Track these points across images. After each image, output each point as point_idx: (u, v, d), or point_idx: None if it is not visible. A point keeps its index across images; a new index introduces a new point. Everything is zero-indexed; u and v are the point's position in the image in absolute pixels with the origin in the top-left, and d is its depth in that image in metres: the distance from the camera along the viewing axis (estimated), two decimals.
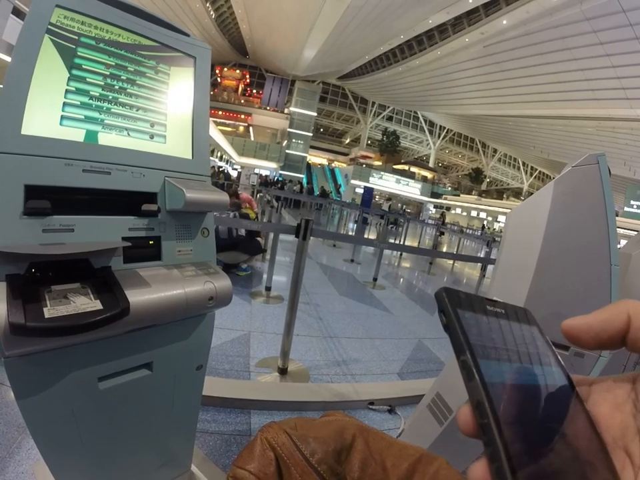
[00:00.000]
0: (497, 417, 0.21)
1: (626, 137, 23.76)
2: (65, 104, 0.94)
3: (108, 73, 1.02)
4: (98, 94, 1.00)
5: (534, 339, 0.29)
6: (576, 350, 1.38)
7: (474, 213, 37.22)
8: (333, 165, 44.64)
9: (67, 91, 0.94)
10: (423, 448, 0.69)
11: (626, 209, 30.49)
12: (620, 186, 31.15)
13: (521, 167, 51.03)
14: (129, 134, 1.05)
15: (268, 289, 4.46)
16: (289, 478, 0.64)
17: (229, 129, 39.70)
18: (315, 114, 39.28)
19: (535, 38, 19.19)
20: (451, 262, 10.60)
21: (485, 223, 33.47)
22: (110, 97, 1.02)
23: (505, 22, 19.25)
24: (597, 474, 0.22)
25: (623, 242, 2.99)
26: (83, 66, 0.97)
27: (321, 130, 47.84)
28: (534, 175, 50.64)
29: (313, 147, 42.08)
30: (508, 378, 0.24)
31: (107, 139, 1.00)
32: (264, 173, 33.51)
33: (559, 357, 0.28)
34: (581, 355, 1.38)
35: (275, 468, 0.65)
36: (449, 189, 46.63)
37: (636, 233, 2.87)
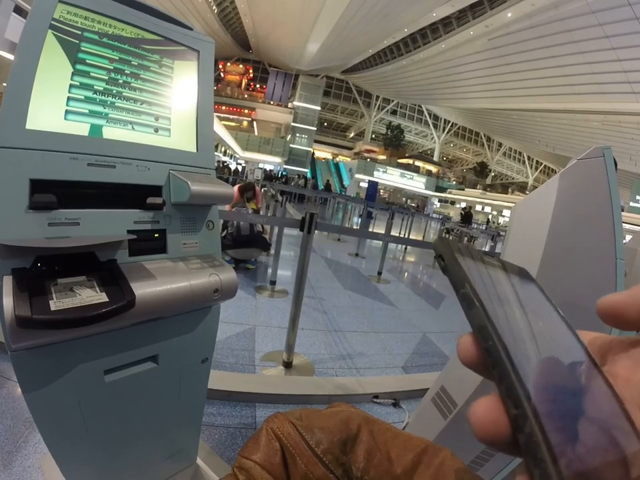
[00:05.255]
0: (501, 338, 0.21)
1: (632, 131, 23.55)
2: (69, 98, 0.94)
3: (112, 67, 1.02)
4: (102, 88, 1.00)
5: (533, 290, 0.28)
6: None
7: (478, 207, 37.02)
8: (337, 159, 44.55)
9: (71, 86, 0.94)
10: (428, 439, 0.69)
11: (631, 203, 30.31)
12: (625, 180, 30.93)
13: (526, 161, 50.66)
14: (133, 128, 1.05)
15: (273, 282, 4.47)
16: (295, 468, 0.64)
17: (233, 124, 39.63)
18: (319, 108, 39.20)
19: (540, 31, 19.00)
20: None
21: (490, 217, 33.27)
22: (114, 91, 1.02)
23: (509, 15, 19.07)
24: (614, 426, 0.21)
25: (628, 237, 2.98)
26: (87, 60, 0.97)
27: (325, 124, 47.69)
28: (539, 169, 50.27)
29: (317, 141, 42.03)
30: (508, 314, 0.24)
31: (111, 132, 1.01)
32: (268, 167, 33.50)
33: (560, 311, 0.27)
34: None
35: (280, 458, 0.66)
36: (454, 183, 46.39)
37: None
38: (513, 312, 0.24)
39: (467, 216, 16.00)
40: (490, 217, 33.48)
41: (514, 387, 0.19)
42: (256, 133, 39.90)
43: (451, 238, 13.01)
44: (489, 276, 0.26)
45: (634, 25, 15.40)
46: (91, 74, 0.98)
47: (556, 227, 1.37)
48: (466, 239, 12.18)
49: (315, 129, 39.24)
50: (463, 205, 38.10)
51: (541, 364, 0.22)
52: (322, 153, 45.13)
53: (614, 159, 1.35)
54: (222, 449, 1.88)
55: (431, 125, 47.45)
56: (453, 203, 39.70)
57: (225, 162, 30.07)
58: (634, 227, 16.66)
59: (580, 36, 17.82)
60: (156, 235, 1.08)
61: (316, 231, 2.78)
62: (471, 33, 22.17)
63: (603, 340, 0.26)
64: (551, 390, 0.20)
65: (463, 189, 42.38)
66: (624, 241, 1.39)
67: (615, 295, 0.24)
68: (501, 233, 9.76)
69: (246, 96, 42.99)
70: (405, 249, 10.02)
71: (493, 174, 50.96)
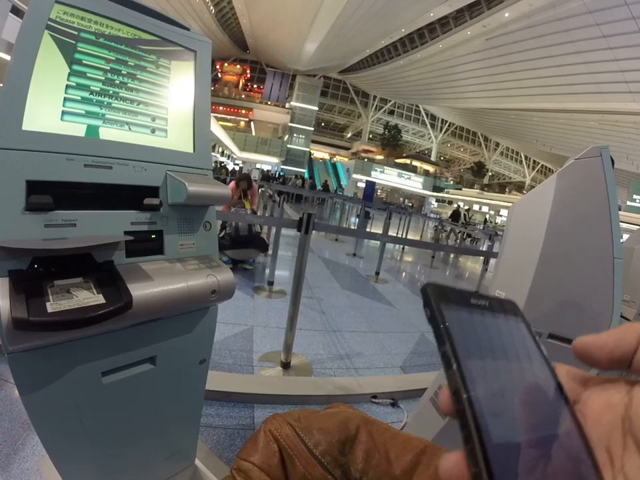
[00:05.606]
0: (472, 405, 0.22)
1: (629, 131, 23.64)
2: (65, 99, 0.93)
3: (108, 68, 1.02)
4: (99, 89, 0.99)
5: (518, 331, 0.29)
6: None
7: (476, 207, 37.05)
8: (334, 159, 44.58)
9: (67, 86, 0.94)
10: (427, 440, 0.69)
11: (629, 203, 30.49)
12: (623, 180, 31.04)
13: (524, 161, 50.75)
14: (130, 128, 1.05)
15: (270, 283, 4.47)
16: (293, 469, 0.65)
17: (230, 124, 39.65)
18: (317, 108, 39.29)
19: (538, 31, 19.05)
20: (453, 255, 10.59)
21: (487, 216, 33.32)
22: (111, 92, 1.02)
23: (507, 15, 19.11)
24: (578, 469, 0.23)
25: (626, 236, 2.99)
26: (84, 61, 0.97)
27: (323, 124, 47.75)
28: (536, 169, 50.35)
29: (314, 142, 42.10)
30: (486, 368, 0.25)
31: (108, 133, 1.00)
32: (265, 168, 33.48)
33: (543, 349, 0.28)
34: None
35: (278, 460, 0.66)
36: (451, 182, 46.47)
37: (639, 227, 2.87)
38: (492, 364, 0.26)
39: (455, 214, 17.51)
40: (487, 216, 33.53)
41: (474, 451, 0.21)
42: (253, 133, 39.93)
43: (442, 236, 13.39)
44: (474, 324, 0.27)
45: (631, 25, 15.46)
46: (88, 74, 0.98)
47: (554, 227, 1.38)
48: (453, 233, 13.27)
49: (313, 129, 39.30)
50: (461, 204, 38.20)
51: (509, 423, 0.23)
52: (319, 153, 45.17)
53: (611, 158, 1.36)
54: (220, 450, 1.88)
55: (428, 125, 47.51)
56: (450, 202, 39.73)
57: (222, 162, 30.08)
58: (631, 226, 16.71)
59: (577, 36, 17.88)
60: (153, 236, 1.08)
61: (313, 231, 2.78)
62: (469, 33, 22.21)
63: (579, 375, 0.28)
64: (513, 449, 0.22)
65: (461, 189, 42.44)
66: (621, 240, 1.40)
67: (589, 338, 0.26)
68: (499, 233, 9.77)
69: (243, 96, 43.07)
70: (403, 248, 10.03)
71: (490, 174, 51.06)
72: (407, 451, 0.65)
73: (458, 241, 12.47)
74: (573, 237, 1.37)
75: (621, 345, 0.25)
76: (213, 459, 1.79)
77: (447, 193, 40.93)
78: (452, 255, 10.71)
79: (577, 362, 0.28)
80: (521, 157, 50.74)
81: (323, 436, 0.67)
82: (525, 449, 0.22)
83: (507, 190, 47.15)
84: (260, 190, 10.68)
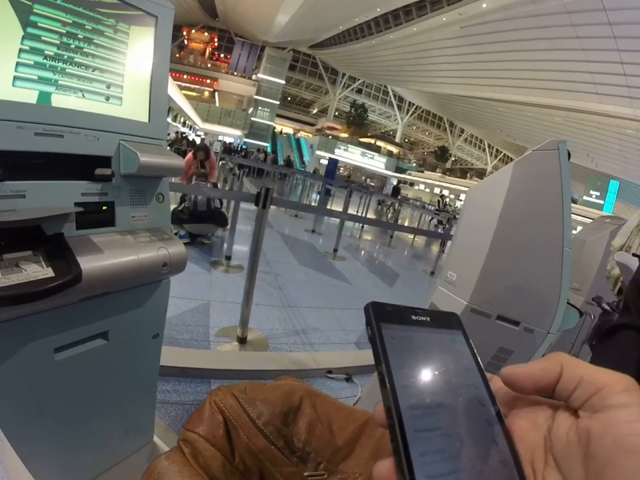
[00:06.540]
0: (401, 422, 0.24)
1: (592, 130, 24.46)
2: (18, 64, 0.88)
3: (64, 32, 0.95)
4: (53, 53, 0.93)
5: (456, 345, 0.31)
6: (525, 325, 1.45)
7: (437, 190, 37.82)
8: (298, 134, 44.13)
9: (21, 50, 0.88)
10: (371, 412, 0.72)
11: (585, 197, 32.18)
12: (582, 176, 32.51)
13: (487, 149, 52.01)
14: (83, 95, 1.00)
15: (228, 258, 4.43)
16: (238, 440, 0.66)
17: (194, 94, 38.43)
18: (284, 82, 38.55)
19: (514, 24, 19.21)
20: (412, 236, 10.82)
21: (447, 200, 34.19)
22: (65, 57, 0.96)
23: (484, 5, 19.12)
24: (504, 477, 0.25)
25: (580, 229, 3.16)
26: (39, 24, 0.91)
27: (289, 99, 47.07)
28: (498, 157, 51.67)
29: (279, 116, 41.46)
30: (421, 386, 0.27)
31: (60, 100, 0.95)
32: (228, 140, 32.76)
33: (480, 363, 0.30)
34: (530, 331, 1.46)
35: (223, 430, 0.67)
36: (414, 165, 47.13)
37: (593, 220, 3.03)
38: (427, 381, 0.27)
39: (395, 190, 21.49)
40: (447, 199, 34.35)
41: (401, 463, 0.23)
42: (217, 104, 38.88)
43: (383, 210, 13.91)
44: (413, 341, 0.29)
45: (606, 30, 15.77)
46: (42, 38, 0.91)
47: (507, 213, 1.42)
48: (392, 207, 14.31)
49: (278, 102, 38.60)
50: (422, 187, 38.87)
51: (438, 437, 0.25)
52: (284, 127, 44.56)
53: (568, 152, 1.41)
54: (178, 426, 1.88)
55: (395, 107, 47.72)
56: (412, 184, 40.37)
57: (184, 133, 29.15)
58: (587, 219, 17.57)
59: (552, 33, 18.12)
60: (104, 208, 1.05)
61: (274, 207, 2.76)
62: (444, 19, 22.07)
63: (508, 394, 0.30)
64: (440, 462, 0.24)
65: (423, 172, 43.14)
66: (574, 232, 1.47)
67: (516, 368, 0.29)
68: (457, 216, 10.04)
69: (209, 65, 41.73)
70: (362, 227, 10.15)
71: (453, 158, 52.15)
72: (350, 422, 0.68)
73: (393, 214, 13.26)
74: (524, 224, 1.43)
75: (544, 376, 0.27)
76: (171, 435, 1.77)
77: (409, 174, 41.51)
78: (411, 236, 10.94)
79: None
80: (484, 144, 51.92)
81: (266, 407, 0.69)
82: (453, 461, 0.24)
83: (468, 175, 48.25)
84: (221, 163, 10.46)
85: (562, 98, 22.07)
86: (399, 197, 17.93)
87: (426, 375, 0.27)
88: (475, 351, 0.31)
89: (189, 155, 5.34)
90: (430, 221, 13.73)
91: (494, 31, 20.77)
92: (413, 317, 0.30)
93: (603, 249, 2.52)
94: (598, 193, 32.83)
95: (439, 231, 11.66)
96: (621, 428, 0.22)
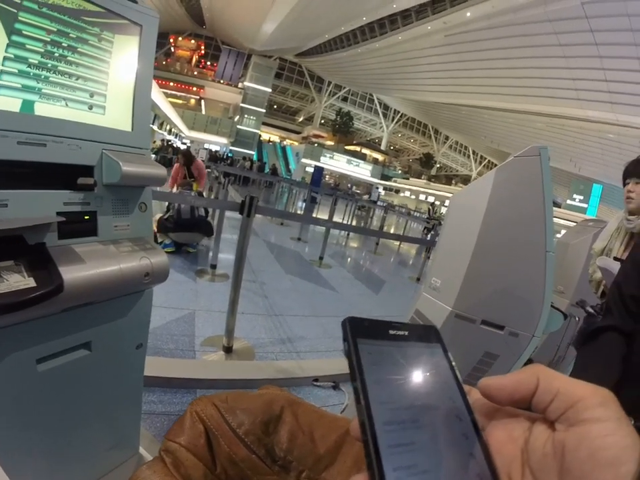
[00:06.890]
0: (375, 437, 0.24)
1: (574, 135, 24.89)
2: (1, 72, 0.87)
3: (49, 40, 0.95)
4: (37, 61, 0.93)
5: (434, 359, 0.31)
6: (510, 329, 1.47)
7: (422, 197, 38.13)
8: (284, 142, 44.21)
9: (5, 58, 0.88)
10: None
11: (568, 201, 32.78)
12: (565, 180, 33.06)
13: (471, 155, 52.54)
14: (67, 104, 1.00)
15: (213, 266, 4.41)
16: (219, 449, 0.66)
17: (180, 102, 38.39)
18: (270, 90, 38.66)
19: (497, 32, 19.53)
20: (398, 243, 10.88)
21: (432, 206, 34.50)
22: (49, 65, 0.96)
23: (468, 14, 19.43)
24: None
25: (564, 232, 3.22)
26: (24, 32, 0.91)
27: (275, 107, 47.14)
28: (483, 164, 52.22)
29: (265, 124, 41.52)
30: (396, 401, 0.27)
31: (43, 109, 0.95)
32: (214, 148, 32.67)
33: (458, 375, 0.30)
34: (515, 335, 1.48)
35: (205, 440, 0.67)
36: (399, 172, 47.47)
37: (576, 224, 3.09)
38: (403, 396, 0.28)
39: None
40: (433, 206, 34.70)
41: (374, 477, 0.23)
42: (203, 112, 38.83)
43: (362, 214, 14.08)
44: (390, 356, 0.29)
45: (587, 37, 16.12)
46: (27, 46, 0.91)
47: (489, 219, 1.45)
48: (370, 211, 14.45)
49: (264, 111, 38.66)
50: (407, 193, 39.18)
51: (413, 452, 0.25)
52: (270, 135, 44.61)
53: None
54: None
55: (381, 114, 48.10)
56: (397, 191, 40.64)
57: (170, 141, 29.03)
58: (570, 223, 17.86)
59: (535, 41, 18.45)
60: (86, 217, 1.04)
61: (259, 215, 2.76)
62: (429, 27, 22.36)
63: (485, 406, 0.30)
64: (411, 477, 0.24)
65: (408, 179, 43.48)
66: (558, 236, 1.49)
67: (491, 380, 0.29)
68: (442, 222, 10.12)
69: (195, 73, 41.72)
70: (347, 234, 10.17)
71: (438, 165, 52.62)
72: (332, 431, 0.69)
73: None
74: (507, 229, 1.45)
75: (519, 390, 0.28)
76: (157, 446, 1.75)
77: (395, 181, 41.80)
78: (397, 243, 11.00)
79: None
80: (469, 151, 52.50)
81: (247, 416, 0.69)
82: (427, 475, 0.24)
83: (453, 182, 48.72)
84: (206, 171, 10.42)
85: (544, 104, 22.48)
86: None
87: (402, 390, 0.28)
88: (454, 364, 0.31)
89: (176, 165, 5.38)
90: (423, 230, 13.85)
91: (477, 39, 21.10)
92: (391, 332, 0.30)
93: (587, 251, 2.57)
94: (581, 197, 33.41)
95: (427, 238, 11.75)
96: (596, 442, 0.23)
